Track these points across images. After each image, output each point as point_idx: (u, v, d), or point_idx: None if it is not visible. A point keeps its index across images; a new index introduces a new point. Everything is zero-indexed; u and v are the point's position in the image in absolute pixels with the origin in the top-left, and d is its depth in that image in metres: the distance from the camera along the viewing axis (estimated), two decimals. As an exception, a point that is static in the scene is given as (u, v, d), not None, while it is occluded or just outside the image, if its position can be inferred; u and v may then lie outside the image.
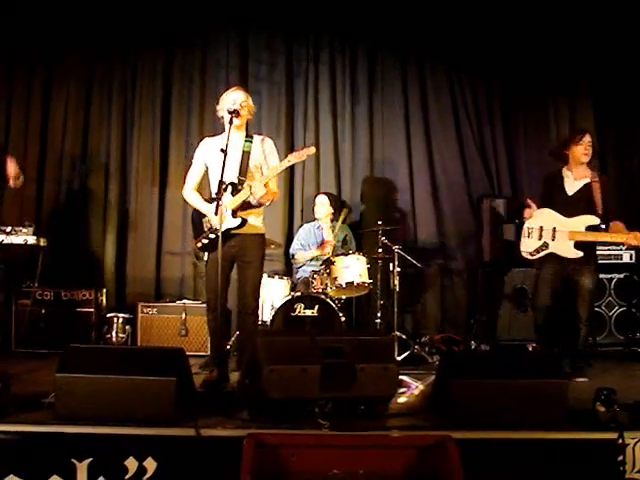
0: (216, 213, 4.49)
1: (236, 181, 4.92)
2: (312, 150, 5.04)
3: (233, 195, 4.88)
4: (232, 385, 4.60)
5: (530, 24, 7.64)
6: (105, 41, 7.82)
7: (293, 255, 7.08)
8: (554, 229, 5.48)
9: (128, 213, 7.78)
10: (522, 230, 5.67)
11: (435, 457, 3.18)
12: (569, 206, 5.52)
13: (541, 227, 5.53)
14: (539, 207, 5.63)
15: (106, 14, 7.68)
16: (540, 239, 5.53)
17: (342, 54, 7.99)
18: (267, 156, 5.15)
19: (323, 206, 7.04)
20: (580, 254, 5.40)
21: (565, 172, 5.65)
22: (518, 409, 3.59)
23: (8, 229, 4.83)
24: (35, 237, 4.90)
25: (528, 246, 5.60)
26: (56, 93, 7.84)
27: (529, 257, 5.60)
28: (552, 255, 5.49)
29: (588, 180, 5.54)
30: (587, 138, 5.54)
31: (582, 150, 5.52)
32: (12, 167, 5.52)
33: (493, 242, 7.41)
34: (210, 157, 5.06)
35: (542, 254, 5.52)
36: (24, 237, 4.88)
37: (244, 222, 4.90)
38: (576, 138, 5.58)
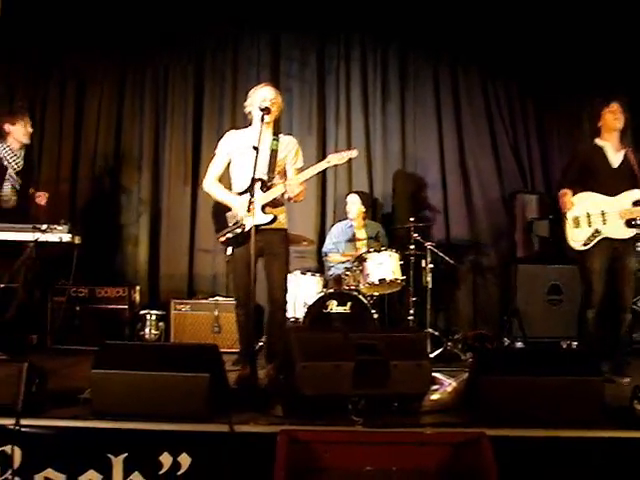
0: (249, 210, 4.48)
1: (265, 178, 4.92)
2: (354, 153, 5.03)
3: (263, 191, 4.87)
4: (262, 380, 4.61)
5: (565, 23, 7.54)
6: (137, 41, 7.91)
7: (326, 254, 7.07)
8: (602, 212, 5.19)
9: (161, 211, 7.86)
10: (567, 222, 5.30)
11: (469, 454, 3.17)
12: (615, 179, 5.26)
13: (588, 213, 5.22)
14: (574, 188, 5.43)
15: (138, 14, 7.74)
16: (590, 226, 5.21)
17: (373, 52, 7.99)
18: (293, 156, 5.14)
19: (354, 205, 7.03)
20: (633, 232, 5.16)
21: (602, 143, 5.36)
22: (552, 407, 3.56)
23: (44, 227, 4.88)
24: (70, 235, 4.95)
25: (578, 237, 5.25)
26: (89, 93, 7.96)
27: (582, 248, 5.23)
28: (604, 241, 5.19)
29: (624, 151, 5.32)
30: (616, 104, 5.32)
31: (613, 116, 5.28)
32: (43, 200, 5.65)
33: (526, 238, 7.35)
34: (235, 150, 5.06)
35: (595, 241, 5.19)
36: (59, 235, 4.92)
37: (275, 218, 4.89)
38: (606, 105, 5.34)
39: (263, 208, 4.85)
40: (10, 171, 5.61)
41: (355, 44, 7.99)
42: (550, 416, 3.51)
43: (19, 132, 5.64)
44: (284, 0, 7.80)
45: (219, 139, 5.28)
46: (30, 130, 5.71)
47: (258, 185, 4.81)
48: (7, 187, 5.62)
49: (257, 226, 4.64)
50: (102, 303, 6.93)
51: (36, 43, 7.74)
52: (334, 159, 4.95)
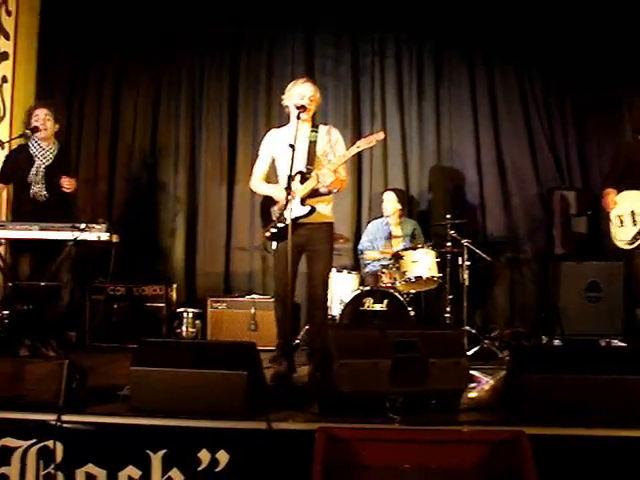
0: (286, 206, 4.48)
1: (304, 170, 4.91)
2: (381, 135, 4.96)
3: (302, 183, 4.87)
4: (302, 378, 4.62)
5: (601, 19, 7.42)
6: (173, 41, 7.97)
7: (362, 251, 7.08)
8: None
9: (197, 209, 7.92)
10: (611, 221, 5.30)
11: (508, 453, 3.14)
12: None
13: (632, 211, 5.19)
14: (616, 183, 5.32)
15: (173, 14, 7.81)
16: (635, 224, 5.17)
17: (408, 50, 7.94)
18: (334, 145, 5.11)
19: (390, 203, 7.03)
20: None
21: None
22: (592, 405, 3.50)
23: (82, 226, 4.93)
24: (108, 233, 4.99)
25: (623, 235, 5.23)
26: (126, 93, 8.05)
27: (627, 247, 5.23)
28: None
29: None
30: None
31: None
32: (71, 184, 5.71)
33: (564, 234, 7.26)
34: (277, 149, 5.07)
35: None
36: (97, 233, 4.97)
37: (313, 210, 4.87)
38: None
39: (303, 201, 4.85)
40: (37, 165, 5.68)
41: (389, 42, 7.95)
42: (590, 415, 3.46)
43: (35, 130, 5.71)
44: (318, -2, 7.82)
45: (262, 138, 5.32)
46: (41, 124, 5.72)
47: (297, 178, 4.81)
48: (35, 178, 5.69)
49: (297, 219, 4.66)
50: (139, 301, 7.01)
51: (74, 43, 7.84)
52: (362, 144, 4.91)
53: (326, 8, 7.81)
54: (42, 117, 5.72)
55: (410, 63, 7.93)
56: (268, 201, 5.07)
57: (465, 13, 7.70)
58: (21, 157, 5.74)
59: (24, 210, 5.63)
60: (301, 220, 4.83)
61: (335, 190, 5.05)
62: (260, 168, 5.19)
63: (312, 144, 4.98)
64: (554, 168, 7.72)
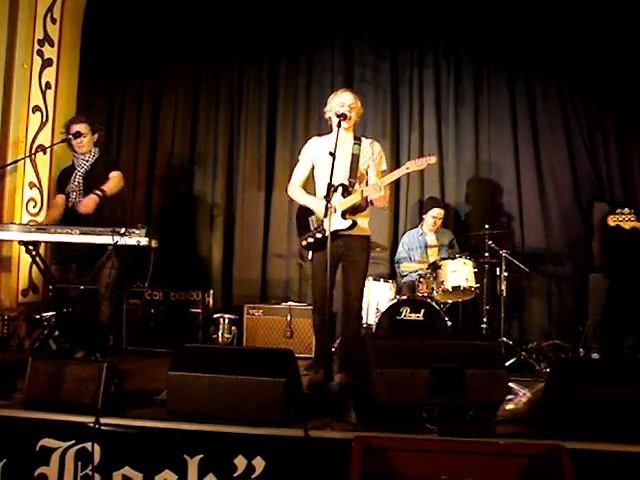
0: (325, 215, 4.47)
1: (347, 183, 4.92)
2: (433, 159, 4.98)
3: (344, 196, 4.88)
4: (336, 387, 4.61)
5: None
6: (212, 49, 8.07)
7: (398, 262, 7.05)
8: None
9: (235, 216, 7.97)
10: None
11: (546, 467, 3.10)
12: None
13: None
14: None
15: (213, 22, 7.88)
16: None
17: (447, 59, 7.91)
18: (375, 160, 5.12)
19: (439, 220, 7.03)
20: None
21: None
22: (630, 420, 3.44)
23: (122, 230, 4.96)
24: (147, 238, 5.02)
25: None
26: (165, 100, 8.16)
27: None
28: None
29: None
30: None
31: None
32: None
33: (603, 247, 7.17)
34: (317, 156, 5.08)
35: None
36: (137, 238, 5.00)
37: (354, 224, 4.89)
38: None
39: (344, 214, 4.85)
40: (74, 173, 5.78)
41: (428, 52, 7.94)
42: (629, 430, 3.41)
43: (72, 144, 5.83)
44: (358, 7, 7.80)
45: (303, 144, 5.35)
46: (77, 140, 5.79)
47: (339, 190, 4.83)
48: (73, 187, 5.77)
49: (336, 231, 4.66)
50: (176, 306, 7.05)
51: (115, 51, 7.96)
52: (412, 166, 4.92)
53: (365, 17, 7.82)
54: (77, 138, 5.82)
55: (449, 72, 7.90)
56: (305, 210, 5.09)
57: (504, 25, 7.66)
58: (68, 170, 5.91)
59: (65, 218, 5.72)
60: (341, 232, 4.86)
61: (381, 205, 5.07)
62: (299, 174, 5.22)
63: (355, 157, 4.99)
64: (594, 180, 7.60)
